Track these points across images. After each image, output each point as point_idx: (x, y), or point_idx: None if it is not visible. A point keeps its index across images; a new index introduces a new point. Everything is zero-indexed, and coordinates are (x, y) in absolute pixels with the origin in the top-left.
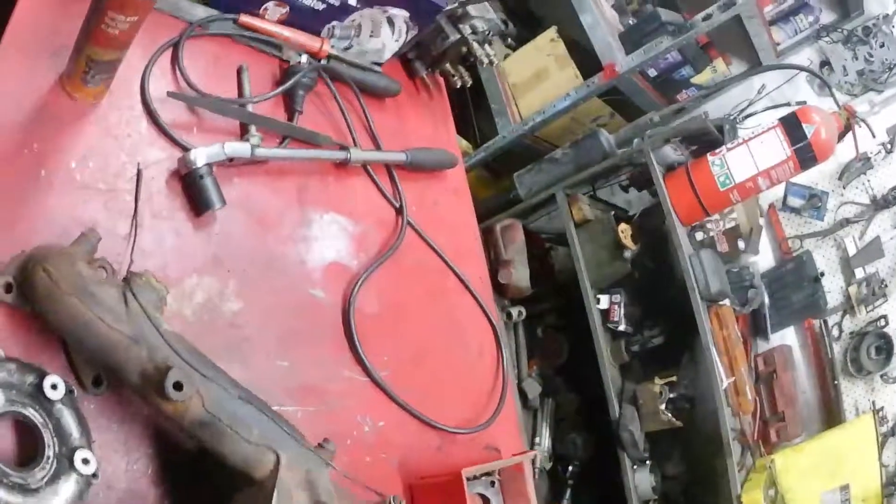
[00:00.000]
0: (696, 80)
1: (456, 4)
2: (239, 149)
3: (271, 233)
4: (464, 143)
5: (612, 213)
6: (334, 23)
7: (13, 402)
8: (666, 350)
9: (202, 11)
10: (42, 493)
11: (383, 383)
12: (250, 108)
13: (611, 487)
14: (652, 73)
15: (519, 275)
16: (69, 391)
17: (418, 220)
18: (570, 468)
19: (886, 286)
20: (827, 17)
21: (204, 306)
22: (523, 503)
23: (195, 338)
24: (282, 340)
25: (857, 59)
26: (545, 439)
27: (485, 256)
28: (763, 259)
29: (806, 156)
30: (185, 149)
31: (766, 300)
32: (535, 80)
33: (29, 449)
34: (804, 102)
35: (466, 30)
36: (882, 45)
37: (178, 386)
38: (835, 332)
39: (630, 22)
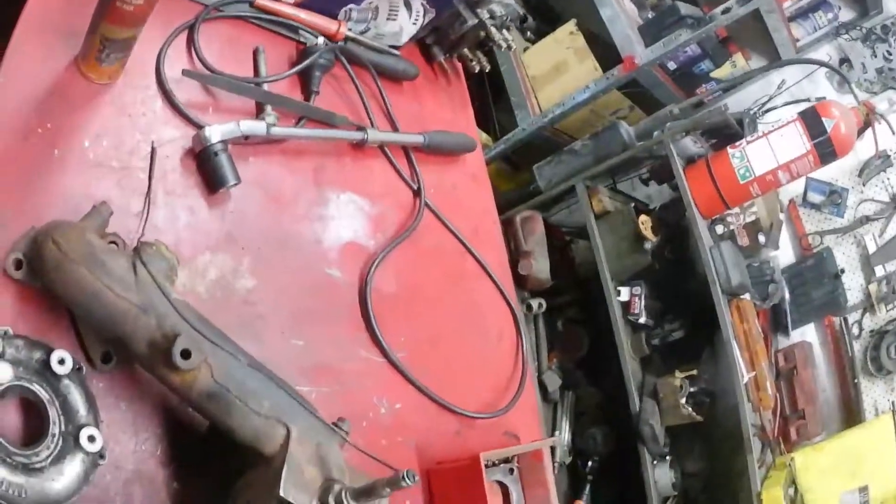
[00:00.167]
0: (716, 74)
1: None
2: (254, 127)
3: (287, 211)
4: (484, 135)
5: (633, 205)
6: (351, 5)
7: (20, 378)
8: (686, 343)
9: None
10: (46, 473)
11: (400, 364)
12: (266, 87)
13: (631, 483)
14: (671, 66)
15: (539, 266)
16: (77, 368)
17: (436, 202)
18: (590, 463)
19: None
20: (846, 15)
21: (217, 283)
22: (542, 492)
23: (208, 315)
24: (297, 319)
25: (875, 56)
26: (565, 433)
27: (505, 248)
28: (783, 255)
29: (826, 150)
30: (200, 127)
31: (787, 296)
32: (554, 73)
33: (34, 427)
34: (823, 98)
35: (484, 14)
36: None
37: (185, 354)
38: (855, 330)
39: (649, 15)
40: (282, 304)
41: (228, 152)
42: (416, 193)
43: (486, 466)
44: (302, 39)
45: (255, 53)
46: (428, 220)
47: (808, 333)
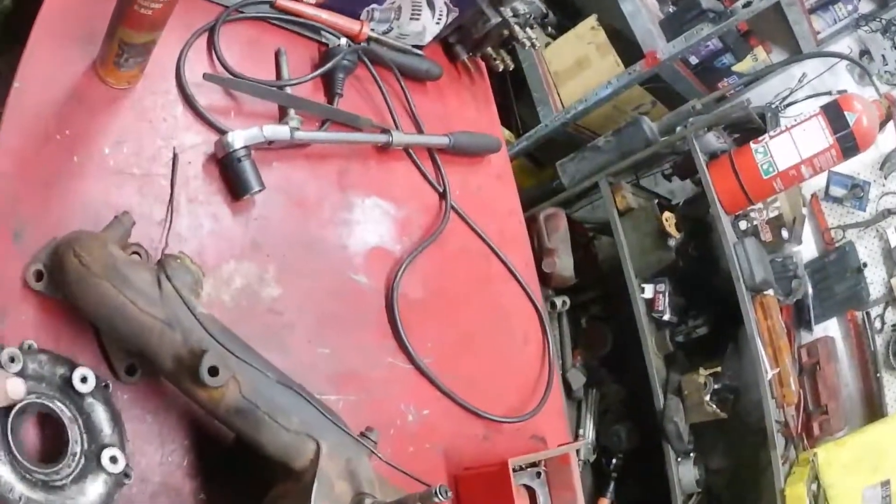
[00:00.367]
0: (737, 68)
1: None
2: (278, 131)
3: (312, 217)
4: (506, 132)
5: (656, 201)
6: (374, 5)
7: (40, 395)
8: (710, 340)
9: None
10: (67, 491)
11: (427, 370)
12: (289, 90)
13: (655, 481)
14: (693, 60)
15: (563, 263)
16: (103, 385)
17: (462, 204)
18: (614, 461)
19: None
20: (865, 7)
21: (242, 292)
22: (569, 495)
23: (233, 324)
24: (323, 326)
25: None
26: (589, 431)
27: (531, 249)
28: (806, 249)
29: (848, 144)
30: (223, 132)
31: (810, 290)
32: (576, 69)
33: (56, 444)
34: (845, 91)
35: (507, 12)
36: None
37: (213, 371)
38: (877, 325)
39: (670, 9)
40: (307, 311)
41: (252, 158)
42: (442, 196)
43: (514, 471)
44: (324, 40)
45: (277, 55)
46: (454, 222)
47: (830, 328)
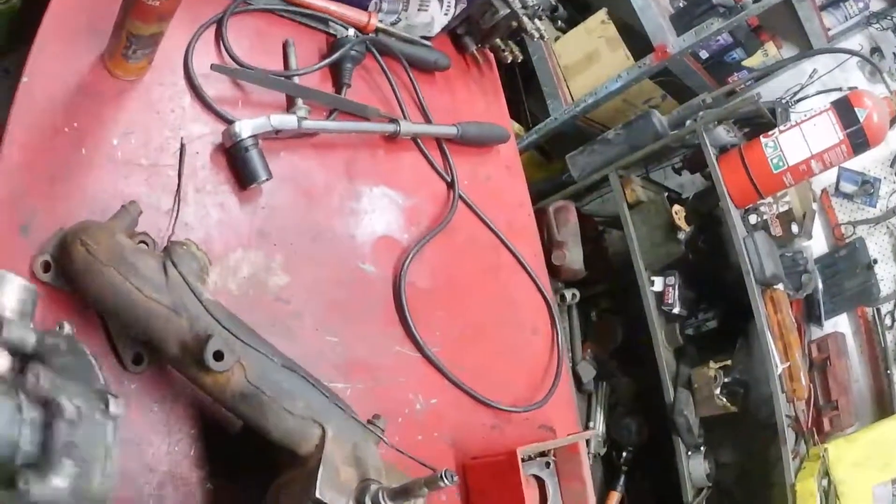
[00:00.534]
0: (748, 63)
1: None
2: (285, 120)
3: (319, 206)
4: (516, 125)
5: (666, 194)
6: None
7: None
8: (720, 334)
9: None
10: None
11: (436, 359)
12: (296, 80)
13: (665, 475)
14: (703, 55)
15: (572, 256)
16: None
17: (470, 194)
18: (625, 454)
19: None
20: (877, 5)
21: (249, 281)
22: (579, 485)
23: (240, 313)
24: (330, 315)
25: None
26: (599, 424)
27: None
28: (816, 244)
29: (858, 140)
30: (230, 122)
31: (820, 286)
32: (586, 62)
33: None
34: (855, 88)
35: (516, 4)
36: None
37: (218, 356)
38: (888, 321)
39: (680, 4)
40: (315, 300)
41: (259, 147)
42: (450, 186)
43: (523, 460)
44: (332, 32)
45: (285, 46)
46: (462, 212)
47: (840, 324)
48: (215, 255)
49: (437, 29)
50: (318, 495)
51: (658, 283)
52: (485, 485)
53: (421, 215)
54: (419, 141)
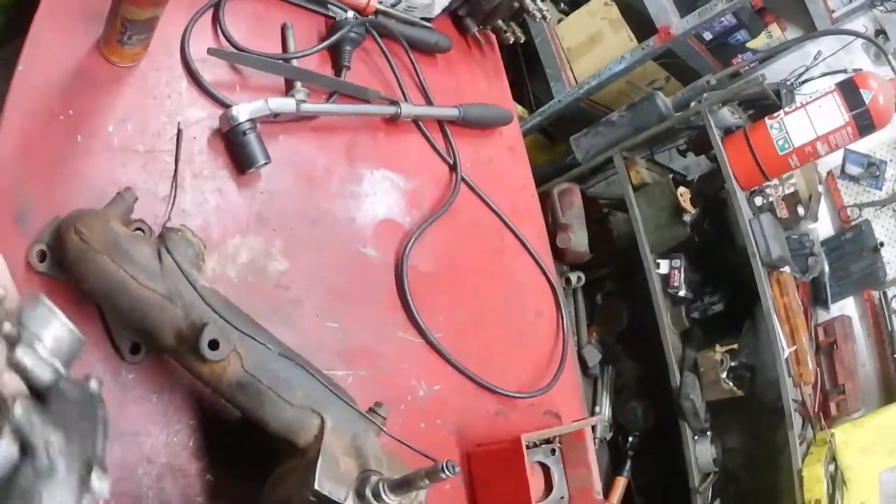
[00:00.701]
0: (752, 44)
1: None
2: (283, 104)
3: (319, 190)
4: (519, 108)
5: (671, 176)
6: None
7: None
8: (726, 317)
9: None
10: None
11: (439, 345)
12: (295, 63)
13: (671, 460)
14: (707, 36)
15: (577, 239)
16: None
17: (473, 176)
18: (631, 439)
19: None
20: None
21: (248, 267)
22: (585, 472)
23: (239, 300)
24: (331, 301)
25: None
26: (605, 408)
27: (543, 222)
28: (822, 227)
29: (864, 122)
30: (227, 106)
31: (826, 269)
32: (589, 44)
33: None
34: (860, 70)
35: None
36: None
37: (213, 344)
38: (894, 305)
39: None
40: (315, 285)
41: (257, 131)
42: (452, 168)
43: (527, 447)
44: (331, 14)
45: (283, 29)
46: (465, 195)
47: (847, 307)
48: (213, 242)
49: (437, 10)
50: (317, 487)
51: (664, 266)
52: (489, 472)
53: (423, 198)
54: (420, 123)
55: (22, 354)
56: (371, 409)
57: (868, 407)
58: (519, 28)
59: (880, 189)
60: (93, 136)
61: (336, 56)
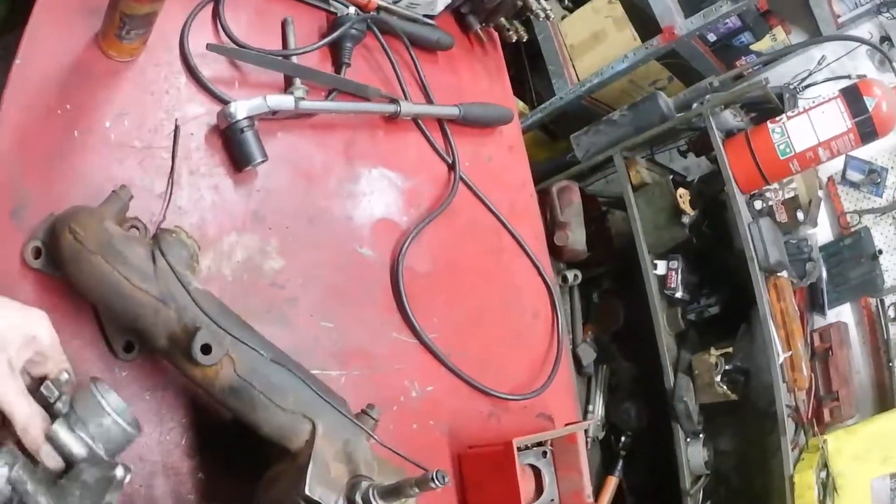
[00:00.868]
0: (756, 47)
1: None
2: (282, 101)
3: (316, 188)
4: (520, 104)
5: (670, 177)
6: None
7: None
8: (722, 320)
9: None
10: None
11: (433, 346)
12: (294, 60)
13: (663, 461)
14: (711, 38)
15: (575, 237)
16: None
17: (472, 176)
18: (623, 439)
19: None
20: None
21: (244, 265)
22: (576, 476)
23: (234, 298)
24: (326, 300)
25: None
26: (598, 407)
27: (542, 222)
28: (821, 232)
29: (867, 129)
30: (226, 103)
31: (824, 274)
32: (592, 42)
33: None
34: (864, 76)
35: None
36: None
37: (206, 349)
38: (891, 313)
39: None
40: (311, 284)
41: (255, 128)
42: (451, 167)
43: (519, 450)
44: (332, 9)
45: (284, 25)
46: (463, 194)
47: (843, 314)
48: (209, 239)
49: (440, 7)
50: (307, 492)
51: (661, 267)
52: (480, 475)
53: (421, 197)
54: (420, 122)
55: (58, 427)
56: (363, 411)
57: (862, 414)
58: (522, 26)
59: (881, 196)
60: (90, 131)
61: (336, 53)
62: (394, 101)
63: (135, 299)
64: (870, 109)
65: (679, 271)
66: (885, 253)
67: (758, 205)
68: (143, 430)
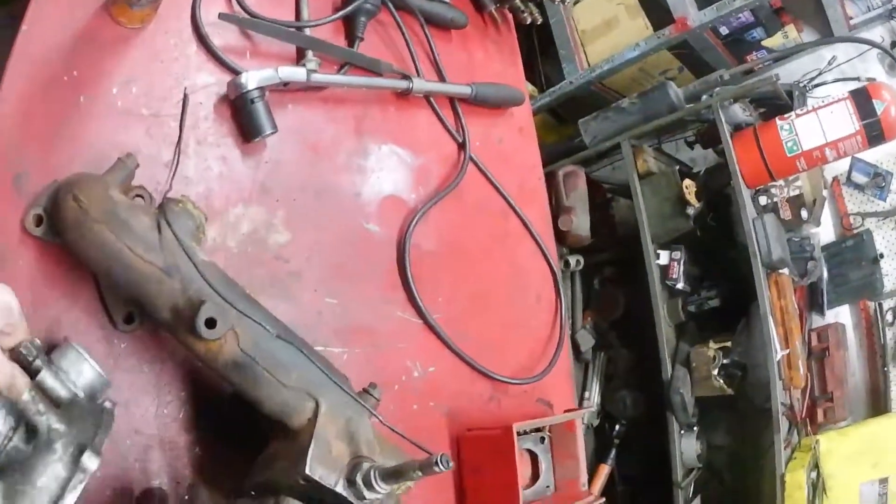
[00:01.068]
0: (767, 43)
1: None
2: (294, 73)
3: (325, 162)
4: (529, 86)
5: (677, 167)
6: None
7: None
8: (722, 314)
9: None
10: None
11: (437, 326)
12: (307, 32)
13: (656, 452)
14: (724, 31)
15: (579, 222)
16: None
17: (481, 157)
18: (618, 427)
19: None
20: None
21: (249, 237)
22: (572, 462)
23: (239, 270)
24: (331, 276)
25: None
26: (594, 395)
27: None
28: (823, 232)
29: (874, 132)
30: (237, 73)
31: (825, 274)
32: (604, 28)
33: None
34: (874, 79)
35: None
36: None
37: (210, 323)
38: (889, 317)
39: None
40: (316, 259)
41: (266, 100)
42: (461, 147)
43: (518, 435)
44: None
45: None
46: (472, 175)
47: (842, 315)
48: (215, 211)
49: None
50: (308, 472)
51: (664, 257)
52: (478, 458)
53: (430, 176)
54: (432, 99)
55: (44, 375)
56: (365, 390)
57: (855, 417)
58: (537, 9)
59: (884, 200)
60: (96, 97)
61: (350, 26)
62: (406, 77)
63: (138, 270)
64: (878, 113)
65: (681, 262)
66: (885, 257)
67: (763, 200)
68: (141, 403)
